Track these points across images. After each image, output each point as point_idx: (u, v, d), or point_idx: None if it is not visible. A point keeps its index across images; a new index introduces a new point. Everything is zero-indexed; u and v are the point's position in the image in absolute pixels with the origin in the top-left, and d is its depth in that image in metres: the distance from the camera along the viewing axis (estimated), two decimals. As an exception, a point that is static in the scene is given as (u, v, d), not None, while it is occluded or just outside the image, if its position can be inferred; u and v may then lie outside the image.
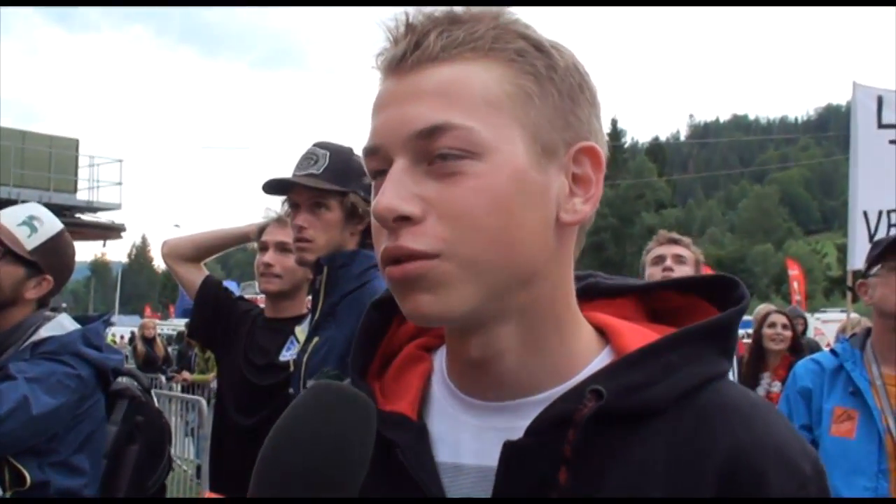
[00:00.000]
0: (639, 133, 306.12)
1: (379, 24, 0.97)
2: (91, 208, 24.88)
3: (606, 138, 1.04)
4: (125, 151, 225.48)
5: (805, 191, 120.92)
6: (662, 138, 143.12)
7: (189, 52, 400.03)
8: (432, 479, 0.97)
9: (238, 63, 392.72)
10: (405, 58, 0.94)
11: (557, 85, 0.96)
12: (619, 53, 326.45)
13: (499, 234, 0.91)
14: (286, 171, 2.83)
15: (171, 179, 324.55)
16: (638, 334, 1.01)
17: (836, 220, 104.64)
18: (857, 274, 4.03)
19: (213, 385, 11.22)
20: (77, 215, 23.45)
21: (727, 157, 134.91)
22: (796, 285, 28.13)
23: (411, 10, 0.96)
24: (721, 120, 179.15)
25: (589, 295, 1.08)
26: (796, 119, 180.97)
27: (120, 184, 25.21)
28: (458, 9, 0.96)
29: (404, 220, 0.91)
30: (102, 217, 25.18)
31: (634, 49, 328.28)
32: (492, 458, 0.94)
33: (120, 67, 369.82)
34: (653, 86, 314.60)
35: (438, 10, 0.96)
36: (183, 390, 12.47)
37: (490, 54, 0.94)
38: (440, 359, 1.08)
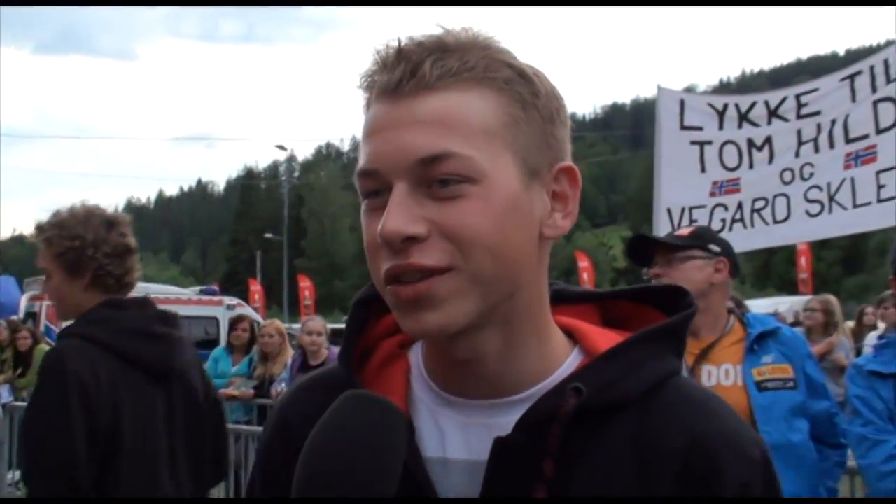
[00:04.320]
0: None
1: (370, 49, 1.02)
2: None
3: None
4: None
5: (593, 186, 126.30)
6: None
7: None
8: (422, 474, 1.04)
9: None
10: (401, 84, 0.99)
11: (540, 111, 1.04)
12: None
13: (497, 251, 0.98)
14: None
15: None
16: (603, 336, 1.11)
17: (620, 214, 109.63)
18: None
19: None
20: None
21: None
22: (586, 276, 29.42)
23: (402, 36, 1.01)
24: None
25: (554, 301, 1.14)
26: (584, 116, 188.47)
27: None
28: (446, 37, 1.01)
29: (411, 240, 0.97)
30: None
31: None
32: (478, 453, 1.03)
33: None
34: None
35: (427, 38, 1.01)
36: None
37: (482, 83, 1.01)
38: (416, 357, 1.15)
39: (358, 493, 0.90)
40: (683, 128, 6.24)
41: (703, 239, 3.48)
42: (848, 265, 68.31)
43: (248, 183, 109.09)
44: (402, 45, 1.01)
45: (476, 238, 0.97)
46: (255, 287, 38.63)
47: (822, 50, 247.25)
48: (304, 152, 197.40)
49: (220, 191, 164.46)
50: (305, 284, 39.92)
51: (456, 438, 1.07)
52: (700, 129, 6.22)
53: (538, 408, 1.01)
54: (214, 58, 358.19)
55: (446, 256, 0.97)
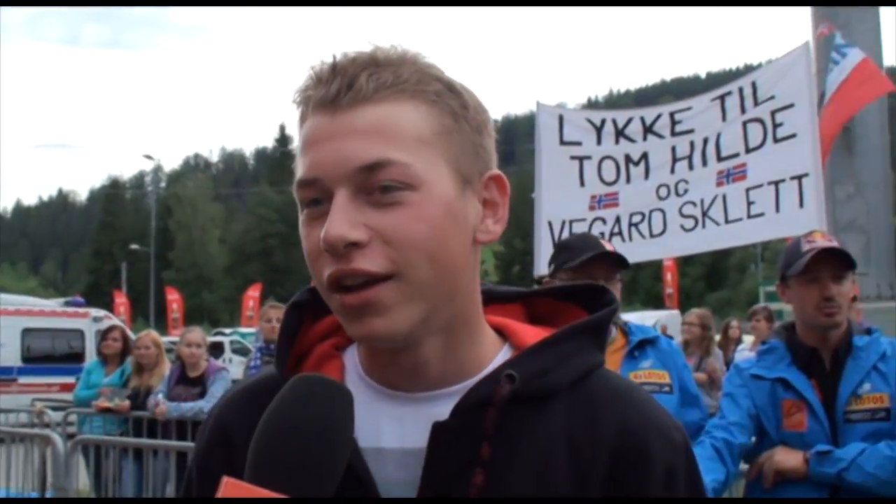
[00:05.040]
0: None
1: (306, 66, 1.07)
2: None
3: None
4: None
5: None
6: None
7: None
8: (359, 463, 1.07)
9: None
10: (339, 96, 1.03)
11: (469, 122, 1.09)
12: (285, 60, 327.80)
13: (436, 256, 1.03)
14: None
15: None
16: (531, 332, 1.18)
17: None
18: (541, 279, 4.40)
19: None
20: None
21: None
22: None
23: (335, 52, 1.06)
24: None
25: (484, 300, 1.19)
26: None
27: None
28: (377, 52, 1.06)
29: (353, 245, 1.00)
30: None
31: (301, 56, 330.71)
32: (413, 441, 1.08)
33: None
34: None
35: (359, 54, 1.06)
36: None
37: (415, 95, 1.05)
38: (352, 357, 1.19)
39: (314, 460, 0.94)
40: (563, 143, 6.41)
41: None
42: (710, 281, 70.94)
43: (112, 193, 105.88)
44: (336, 60, 1.05)
45: (416, 243, 1.02)
46: (121, 299, 37.64)
47: (686, 72, 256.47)
48: (171, 163, 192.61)
49: (83, 201, 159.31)
50: (173, 297, 39.09)
51: (390, 429, 1.11)
52: (579, 143, 6.39)
53: (474, 393, 1.07)
54: (78, 63, 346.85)
55: (387, 263, 1.01)
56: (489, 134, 1.13)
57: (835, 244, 3.20)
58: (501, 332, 1.19)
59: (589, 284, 1.25)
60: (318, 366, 1.17)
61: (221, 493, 0.90)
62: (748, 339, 10.78)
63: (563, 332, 1.15)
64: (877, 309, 7.11)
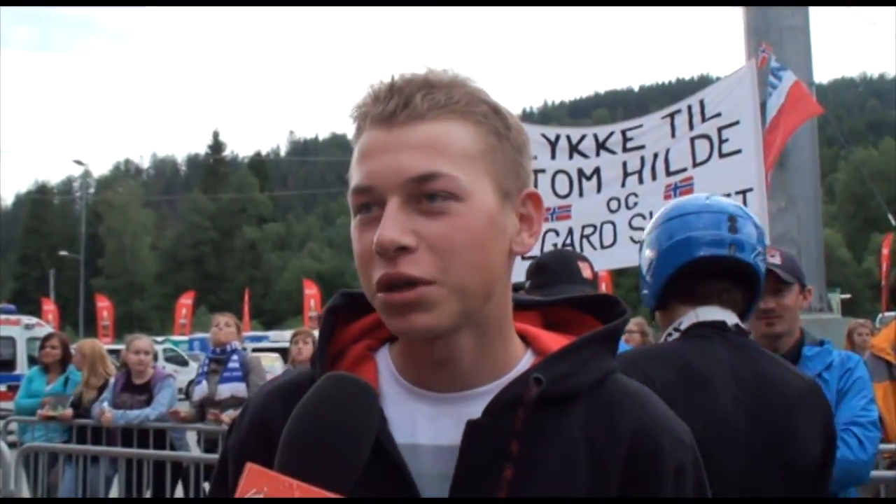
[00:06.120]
0: (240, 147, 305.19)
1: (366, 85, 1.17)
2: None
3: None
4: None
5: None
6: (263, 153, 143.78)
7: None
8: (396, 456, 1.16)
9: None
10: (395, 113, 1.14)
11: (511, 142, 1.20)
12: (219, 67, 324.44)
13: (476, 263, 1.13)
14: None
15: None
16: (551, 338, 1.28)
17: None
18: (516, 286, 4.48)
19: None
20: None
21: (326, 175, 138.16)
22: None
23: (394, 73, 1.17)
24: (321, 138, 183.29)
25: None
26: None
27: None
28: (430, 75, 1.17)
29: (402, 249, 1.10)
30: None
31: (236, 63, 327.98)
32: (446, 439, 1.17)
33: None
34: (253, 99, 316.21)
35: (415, 76, 1.16)
36: None
37: (464, 115, 1.15)
38: (384, 358, 1.28)
39: (338, 450, 1.02)
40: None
41: None
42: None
43: (39, 198, 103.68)
44: (394, 80, 1.16)
45: (458, 250, 1.11)
46: (49, 306, 36.85)
47: (619, 85, 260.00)
48: (100, 168, 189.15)
49: (8, 206, 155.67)
50: (104, 304, 38.40)
51: (425, 426, 1.19)
52: (534, 157, 6.51)
53: (505, 394, 1.16)
54: (4, 65, 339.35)
55: (432, 269, 1.10)
56: (528, 155, 1.24)
57: (776, 260, 3.33)
58: (523, 338, 1.29)
59: (603, 296, 1.36)
60: (353, 366, 1.25)
61: (244, 478, 0.97)
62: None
63: (582, 340, 1.25)
64: (807, 320, 7.36)
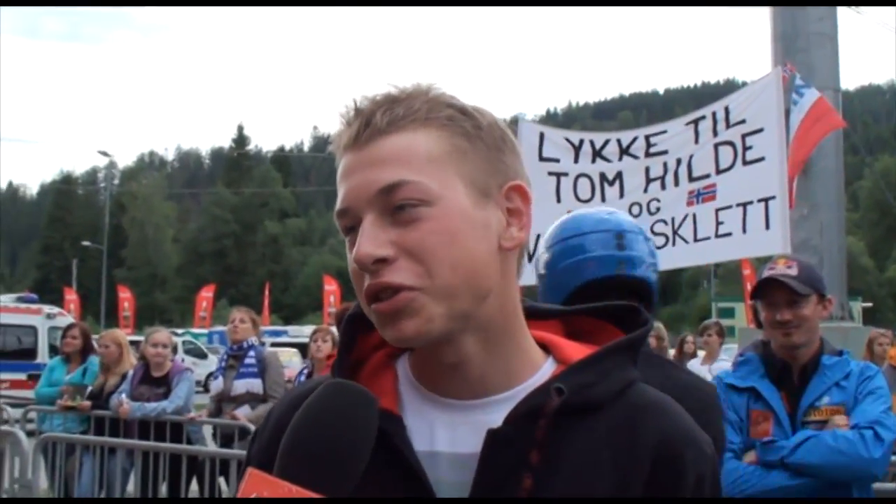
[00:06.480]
0: (264, 141, 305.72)
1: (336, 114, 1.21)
2: None
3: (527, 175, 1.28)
4: None
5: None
6: (287, 148, 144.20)
7: None
8: (415, 463, 1.16)
9: None
10: (359, 135, 1.16)
11: (484, 140, 1.19)
12: (245, 61, 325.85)
13: (457, 263, 1.13)
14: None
15: None
16: (573, 347, 1.27)
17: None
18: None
19: None
20: None
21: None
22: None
23: (357, 97, 1.19)
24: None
25: (526, 316, 1.28)
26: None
27: None
28: (394, 90, 1.19)
29: (381, 262, 1.12)
30: None
31: (262, 57, 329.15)
32: (463, 446, 1.17)
33: None
34: (278, 94, 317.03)
35: (379, 94, 1.19)
36: None
37: (427, 122, 1.17)
38: (403, 366, 1.28)
39: (335, 457, 1.03)
40: (542, 159, 6.56)
41: None
42: (663, 296, 71.53)
43: (64, 188, 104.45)
44: (358, 103, 1.18)
45: (436, 253, 1.11)
46: (71, 296, 37.07)
47: (644, 87, 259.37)
48: (125, 159, 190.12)
49: (33, 195, 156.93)
50: (125, 295, 38.62)
51: (443, 434, 1.19)
52: (557, 161, 6.55)
53: (526, 404, 1.15)
54: (35, 56, 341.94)
55: (413, 276, 1.11)
56: (510, 149, 1.23)
57: (792, 272, 3.37)
58: (544, 346, 1.28)
59: (625, 305, 1.34)
60: (373, 374, 1.26)
61: (245, 483, 0.99)
62: (700, 354, 10.97)
63: (605, 350, 1.24)
64: (827, 328, 7.31)
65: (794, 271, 3.37)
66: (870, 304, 49.94)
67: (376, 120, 1.15)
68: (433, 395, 1.23)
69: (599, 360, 1.23)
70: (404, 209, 1.12)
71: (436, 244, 1.12)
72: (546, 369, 1.24)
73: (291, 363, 19.40)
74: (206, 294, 40.38)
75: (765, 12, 9.05)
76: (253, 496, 0.98)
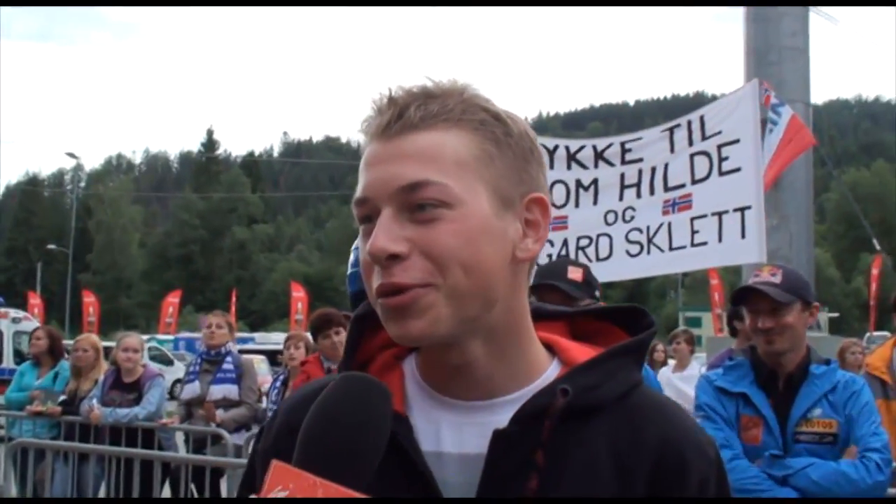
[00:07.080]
0: (233, 146, 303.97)
1: (368, 98, 1.19)
2: None
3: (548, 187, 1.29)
4: None
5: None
6: (256, 153, 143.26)
7: None
8: (422, 463, 1.17)
9: None
10: (390, 125, 1.16)
11: (513, 148, 1.20)
12: (216, 65, 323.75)
13: (469, 267, 1.13)
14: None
15: None
16: (578, 349, 1.29)
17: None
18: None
19: None
20: None
21: (318, 177, 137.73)
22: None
23: (393, 85, 1.19)
24: (314, 140, 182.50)
25: (533, 317, 1.29)
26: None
27: None
28: (431, 85, 1.19)
29: (394, 257, 1.12)
30: None
31: (232, 62, 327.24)
32: (470, 447, 1.18)
33: None
34: (249, 98, 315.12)
35: (415, 86, 1.18)
36: None
37: (459, 124, 1.17)
38: (410, 366, 1.29)
39: (352, 446, 1.03)
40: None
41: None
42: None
43: (30, 189, 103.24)
44: (393, 93, 1.18)
45: (450, 254, 1.12)
46: (35, 300, 36.67)
47: (614, 99, 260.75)
48: (92, 161, 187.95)
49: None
50: (90, 300, 38.25)
51: (450, 435, 1.20)
52: None
53: (531, 404, 1.16)
54: (3, 55, 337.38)
55: (424, 275, 1.12)
56: (536, 161, 1.23)
57: (775, 280, 3.43)
58: (549, 347, 1.29)
59: (631, 307, 1.35)
60: (379, 373, 1.25)
61: (270, 475, 0.99)
62: (671, 362, 11.07)
63: (610, 352, 1.25)
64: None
65: (777, 279, 3.42)
66: (836, 315, 50.49)
67: (410, 113, 1.15)
68: (440, 396, 1.23)
69: (604, 361, 1.24)
70: (424, 208, 1.13)
71: (452, 246, 1.12)
72: (551, 371, 1.25)
73: (259, 370, 19.27)
74: (173, 300, 40.07)
75: (737, 27, 9.16)
76: (278, 489, 0.98)
